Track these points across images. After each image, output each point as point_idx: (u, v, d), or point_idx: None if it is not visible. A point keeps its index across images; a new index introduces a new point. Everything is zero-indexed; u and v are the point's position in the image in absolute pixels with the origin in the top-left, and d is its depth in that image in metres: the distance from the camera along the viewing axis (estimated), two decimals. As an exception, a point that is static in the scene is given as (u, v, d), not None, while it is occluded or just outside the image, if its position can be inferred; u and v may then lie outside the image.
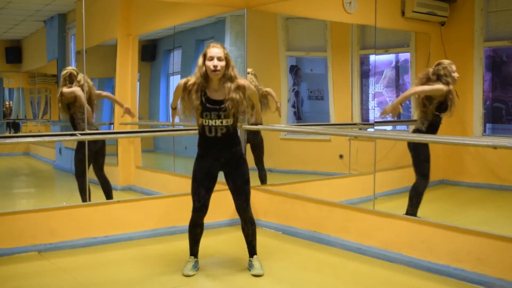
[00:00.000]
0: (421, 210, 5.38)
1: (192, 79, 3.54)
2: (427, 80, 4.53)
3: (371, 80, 6.46)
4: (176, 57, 7.09)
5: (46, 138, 4.84)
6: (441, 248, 3.73)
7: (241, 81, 3.57)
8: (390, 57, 6.70)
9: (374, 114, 6.34)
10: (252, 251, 3.80)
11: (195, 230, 3.73)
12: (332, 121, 6.60)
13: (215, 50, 3.45)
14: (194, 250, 3.79)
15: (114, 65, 6.16)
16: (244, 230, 3.77)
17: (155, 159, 7.30)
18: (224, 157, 3.62)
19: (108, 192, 5.19)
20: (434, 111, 4.49)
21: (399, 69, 6.74)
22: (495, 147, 3.99)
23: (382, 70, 6.65)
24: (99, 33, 6.26)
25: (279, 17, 6.64)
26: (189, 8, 5.78)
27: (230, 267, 3.99)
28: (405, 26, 6.23)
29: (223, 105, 3.48)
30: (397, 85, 6.78)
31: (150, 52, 7.00)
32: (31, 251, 4.17)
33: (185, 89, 3.54)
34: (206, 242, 4.28)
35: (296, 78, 6.95)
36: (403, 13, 6.08)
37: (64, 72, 5.08)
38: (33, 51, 6.56)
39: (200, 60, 3.52)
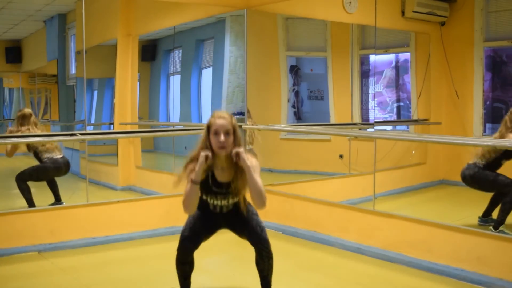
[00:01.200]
0: (421, 210, 5.39)
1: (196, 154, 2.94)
2: (507, 128, 4.29)
3: (371, 80, 6.46)
4: (176, 57, 7.09)
5: (46, 138, 4.84)
6: (441, 248, 3.73)
7: (251, 161, 2.95)
8: (390, 57, 6.70)
9: (374, 114, 6.34)
10: (266, 286, 3.08)
11: (183, 267, 2.99)
12: (332, 121, 6.60)
13: (221, 122, 2.87)
14: (185, 286, 3.08)
15: (114, 65, 6.16)
16: (258, 264, 2.98)
17: (155, 159, 7.30)
18: (230, 223, 3.10)
19: (55, 189, 5.29)
20: (497, 157, 4.32)
21: (399, 69, 6.74)
22: (495, 147, 3.99)
23: (382, 70, 6.65)
24: (99, 33, 6.26)
25: (279, 17, 6.64)
26: (189, 8, 5.78)
27: (230, 267, 3.99)
28: (405, 26, 6.23)
29: (230, 188, 2.95)
30: (397, 85, 6.78)
31: (150, 52, 7.01)
32: (31, 251, 4.17)
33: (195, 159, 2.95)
34: (206, 242, 4.27)
35: (296, 78, 6.95)
36: (403, 13, 6.08)
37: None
38: (33, 51, 6.57)
39: (204, 133, 2.96)
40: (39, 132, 5.10)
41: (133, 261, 4.12)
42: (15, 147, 5.19)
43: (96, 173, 6.23)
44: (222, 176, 2.96)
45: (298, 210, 4.87)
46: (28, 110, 5.27)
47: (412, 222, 4.01)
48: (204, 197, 3.02)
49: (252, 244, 2.95)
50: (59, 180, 5.34)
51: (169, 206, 4.84)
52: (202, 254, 3.92)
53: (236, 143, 2.92)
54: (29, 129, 5.11)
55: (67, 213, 4.43)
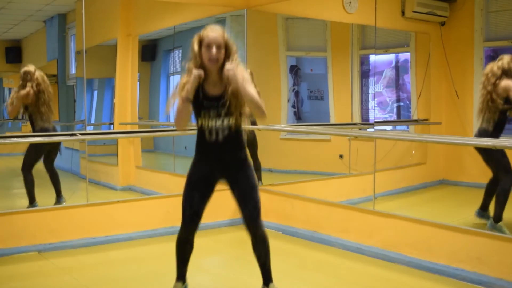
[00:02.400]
0: (421, 210, 5.39)
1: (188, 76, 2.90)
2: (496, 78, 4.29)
3: (371, 80, 6.46)
4: (176, 57, 7.09)
5: (46, 138, 4.84)
6: (441, 248, 3.73)
7: (242, 74, 2.88)
8: (390, 57, 6.70)
9: (374, 114, 6.34)
10: (267, 277, 3.07)
11: (184, 247, 3.04)
12: (332, 121, 6.60)
13: (213, 35, 2.83)
14: (181, 272, 3.10)
15: (114, 65, 6.16)
16: (255, 249, 3.02)
17: (155, 159, 7.30)
18: (225, 162, 2.99)
19: (56, 184, 5.22)
20: (502, 108, 4.27)
21: (399, 69, 6.74)
22: (495, 147, 3.99)
23: (382, 70, 6.65)
24: (99, 33, 6.26)
25: (279, 17, 6.65)
26: (189, 8, 5.78)
27: (230, 267, 3.99)
28: (405, 26, 6.23)
29: (222, 101, 2.87)
30: (397, 85, 6.78)
31: (150, 52, 7.01)
32: (31, 251, 4.17)
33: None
34: (206, 242, 4.28)
35: (296, 78, 6.95)
36: (403, 13, 6.08)
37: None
38: (33, 51, 6.57)
39: (195, 46, 2.88)
40: (47, 88, 5.06)
41: (133, 261, 4.12)
42: (17, 106, 5.07)
43: (96, 173, 6.23)
44: (213, 89, 2.90)
45: (298, 210, 4.87)
46: (31, 66, 5.17)
47: (412, 222, 4.01)
48: (199, 120, 2.93)
49: (247, 227, 2.98)
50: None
51: (169, 206, 4.84)
52: (202, 254, 3.93)
53: (228, 56, 2.88)
54: (32, 86, 5.01)
55: (67, 213, 4.43)
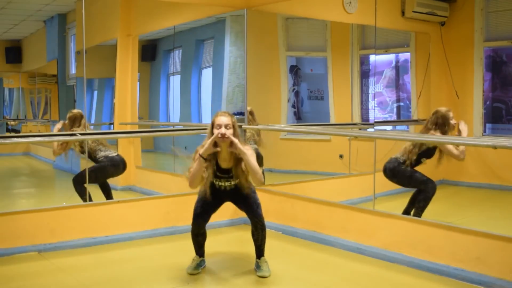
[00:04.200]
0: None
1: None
2: (427, 129, 4.60)
3: (371, 80, 6.46)
4: (176, 57, 7.10)
5: (46, 138, 4.83)
6: (441, 248, 3.73)
7: (247, 148, 3.58)
8: (390, 57, 6.70)
9: (374, 114, 6.34)
10: (259, 253, 3.75)
11: (197, 238, 3.77)
12: (332, 121, 6.60)
13: (222, 119, 3.52)
14: (199, 252, 3.82)
15: (114, 65, 6.17)
16: (253, 235, 3.70)
17: (155, 159, 7.31)
18: (232, 197, 3.77)
19: (108, 195, 5.20)
20: (418, 154, 4.56)
21: (399, 69, 6.74)
22: (495, 147, 3.99)
23: (382, 70, 6.65)
24: (99, 33, 6.27)
25: (279, 17, 6.65)
26: (189, 8, 5.78)
27: (230, 267, 3.99)
28: (405, 26, 6.23)
29: (231, 174, 3.65)
30: (397, 85, 6.79)
31: (150, 52, 7.01)
32: (31, 251, 4.17)
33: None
34: (206, 242, 4.27)
35: (296, 78, 6.95)
36: (403, 13, 6.09)
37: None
38: (33, 51, 6.57)
39: (209, 128, 3.62)
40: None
41: (133, 261, 4.12)
42: (65, 145, 4.99)
43: (96, 173, 6.22)
44: (224, 164, 3.63)
45: (298, 210, 4.87)
46: (78, 111, 5.15)
47: (412, 222, 4.02)
48: (212, 180, 3.65)
49: (249, 217, 3.69)
50: (59, 181, 5.33)
51: (169, 206, 4.84)
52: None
53: (235, 136, 3.53)
54: (75, 131, 4.93)
55: (67, 213, 4.42)
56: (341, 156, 6.31)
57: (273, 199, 5.07)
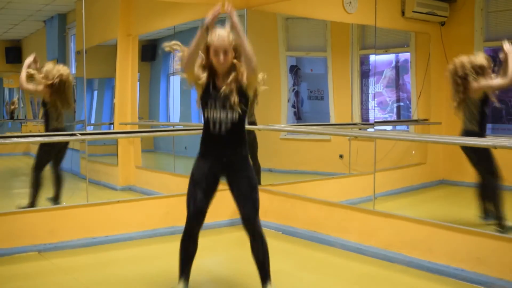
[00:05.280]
0: (421, 210, 5.39)
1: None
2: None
3: (371, 80, 6.46)
4: (175, 57, 7.08)
5: (46, 138, 4.84)
6: (441, 248, 3.73)
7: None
8: (390, 57, 6.70)
9: (374, 114, 6.34)
10: (264, 275, 3.09)
11: (188, 245, 3.11)
12: (332, 121, 6.60)
13: (219, 43, 2.98)
14: (185, 270, 3.12)
15: (114, 65, 6.16)
16: (253, 249, 3.07)
17: (155, 159, 7.31)
18: (226, 157, 3.08)
19: (58, 187, 5.15)
20: (480, 111, 4.34)
21: (399, 69, 6.74)
22: (495, 147, 3.99)
23: (382, 70, 6.65)
24: (99, 33, 6.27)
25: (279, 17, 6.65)
26: (189, 8, 5.78)
27: (230, 267, 3.99)
28: (405, 26, 6.23)
29: (228, 93, 3.03)
30: (397, 85, 6.78)
31: (150, 52, 7.01)
32: (31, 251, 4.17)
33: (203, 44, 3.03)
34: (206, 242, 4.26)
35: (296, 78, 6.95)
36: (403, 13, 6.08)
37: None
38: (33, 51, 6.56)
39: (203, 46, 3.04)
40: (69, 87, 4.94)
41: (133, 261, 4.12)
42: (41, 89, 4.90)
43: (96, 173, 6.23)
44: (221, 81, 3.05)
45: (298, 210, 4.87)
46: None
47: (412, 222, 4.01)
48: (205, 112, 3.06)
49: (245, 225, 3.07)
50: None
51: (169, 206, 4.84)
52: (202, 254, 3.93)
53: (237, 57, 3.05)
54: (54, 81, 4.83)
55: (67, 213, 4.42)
56: (341, 156, 6.31)
57: (273, 199, 5.07)
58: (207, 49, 3.03)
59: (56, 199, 5.20)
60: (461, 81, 4.40)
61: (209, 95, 3.04)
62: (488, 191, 4.40)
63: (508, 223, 4.19)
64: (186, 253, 3.12)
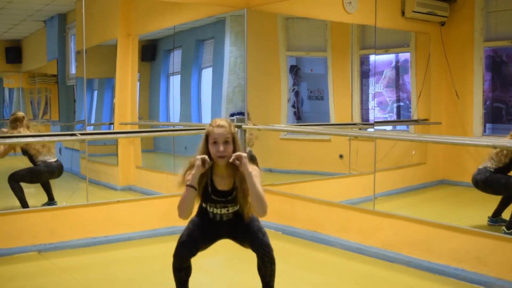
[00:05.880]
0: (421, 210, 5.39)
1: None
2: None
3: (371, 80, 6.46)
4: (176, 57, 7.09)
5: (46, 138, 4.84)
6: (441, 248, 3.73)
7: (253, 168, 2.87)
8: (390, 57, 6.70)
9: (374, 114, 6.34)
10: None
11: (180, 274, 2.90)
12: (332, 121, 6.60)
13: (219, 131, 2.79)
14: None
15: (114, 65, 6.16)
16: (260, 269, 2.90)
17: (155, 159, 7.30)
18: (228, 231, 3.01)
19: (48, 190, 5.31)
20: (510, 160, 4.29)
21: (399, 69, 6.74)
22: (495, 147, 4.00)
23: (382, 70, 6.65)
24: (99, 33, 6.26)
25: (279, 17, 6.64)
26: (189, 8, 5.78)
27: (230, 267, 3.99)
28: (405, 26, 6.23)
29: (230, 197, 2.89)
30: (397, 85, 6.78)
31: (150, 52, 7.01)
32: (31, 251, 4.17)
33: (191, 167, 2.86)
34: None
35: (296, 78, 6.95)
36: (403, 13, 6.08)
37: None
38: (33, 51, 6.57)
39: (202, 142, 2.87)
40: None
41: (133, 261, 4.12)
42: (9, 148, 5.16)
43: (96, 173, 6.23)
44: (221, 184, 2.88)
45: (298, 210, 4.87)
46: (20, 114, 5.27)
47: (412, 222, 4.01)
48: (204, 205, 2.96)
49: (254, 250, 2.87)
50: (59, 180, 5.34)
51: (169, 206, 4.81)
52: (202, 254, 3.92)
53: (235, 151, 2.84)
54: (20, 131, 5.09)
55: (67, 213, 4.42)
56: (341, 156, 6.31)
57: (273, 199, 5.07)
58: (206, 139, 2.85)
59: (51, 200, 5.23)
60: None
61: (208, 197, 2.89)
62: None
63: None
64: (180, 280, 2.94)
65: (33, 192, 5.17)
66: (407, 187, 6.15)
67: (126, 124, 6.21)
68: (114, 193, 5.37)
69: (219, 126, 2.81)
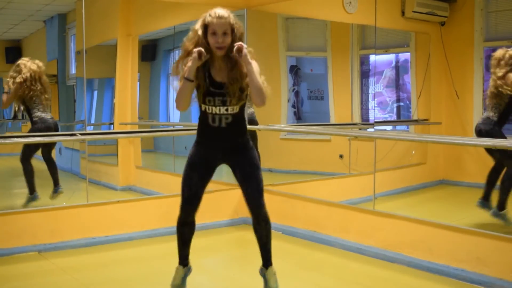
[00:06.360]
0: (421, 210, 5.39)
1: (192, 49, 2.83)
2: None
3: (371, 80, 6.46)
4: (176, 57, 7.08)
5: (46, 138, 4.84)
6: (441, 248, 3.73)
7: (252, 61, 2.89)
8: (390, 57, 6.70)
9: (374, 114, 6.34)
10: (266, 258, 3.10)
11: (183, 229, 3.02)
12: (332, 121, 6.60)
13: (219, 22, 2.78)
14: (183, 254, 3.09)
15: (114, 65, 6.16)
16: (256, 230, 3.02)
17: (155, 159, 7.30)
18: (227, 148, 2.98)
19: (54, 173, 5.29)
20: (508, 105, 4.24)
21: (399, 69, 6.74)
22: (495, 147, 3.99)
23: (382, 70, 6.65)
24: (99, 33, 6.26)
25: (279, 17, 6.64)
26: (189, 8, 5.78)
27: (230, 267, 3.99)
28: (405, 26, 6.23)
29: (228, 88, 2.87)
30: (397, 85, 6.79)
31: (150, 52, 7.00)
32: (31, 251, 4.17)
33: (188, 55, 2.87)
34: (206, 242, 4.28)
35: (296, 78, 6.95)
36: (403, 13, 6.08)
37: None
38: (33, 51, 6.56)
39: (200, 30, 2.85)
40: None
41: (133, 261, 4.12)
42: (12, 97, 5.14)
43: (96, 173, 6.23)
44: (219, 75, 2.86)
45: (298, 210, 4.87)
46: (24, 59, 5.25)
47: (412, 222, 4.01)
48: (203, 106, 2.91)
49: (249, 207, 2.97)
50: (59, 180, 5.34)
51: (169, 206, 4.83)
52: (202, 254, 3.93)
53: (234, 42, 2.82)
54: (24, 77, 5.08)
55: (67, 213, 4.42)
56: (341, 156, 6.31)
57: (273, 199, 5.07)
58: (204, 28, 2.82)
59: (56, 186, 5.23)
60: (504, 70, 4.23)
61: (207, 92, 2.86)
62: (500, 175, 4.35)
63: (505, 212, 4.17)
64: (183, 236, 3.05)
65: (35, 192, 5.16)
66: (407, 187, 6.15)
67: (126, 124, 6.21)
68: (114, 193, 5.37)
69: (219, 17, 2.79)
